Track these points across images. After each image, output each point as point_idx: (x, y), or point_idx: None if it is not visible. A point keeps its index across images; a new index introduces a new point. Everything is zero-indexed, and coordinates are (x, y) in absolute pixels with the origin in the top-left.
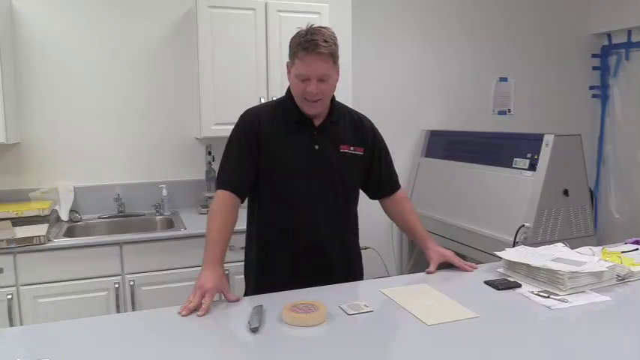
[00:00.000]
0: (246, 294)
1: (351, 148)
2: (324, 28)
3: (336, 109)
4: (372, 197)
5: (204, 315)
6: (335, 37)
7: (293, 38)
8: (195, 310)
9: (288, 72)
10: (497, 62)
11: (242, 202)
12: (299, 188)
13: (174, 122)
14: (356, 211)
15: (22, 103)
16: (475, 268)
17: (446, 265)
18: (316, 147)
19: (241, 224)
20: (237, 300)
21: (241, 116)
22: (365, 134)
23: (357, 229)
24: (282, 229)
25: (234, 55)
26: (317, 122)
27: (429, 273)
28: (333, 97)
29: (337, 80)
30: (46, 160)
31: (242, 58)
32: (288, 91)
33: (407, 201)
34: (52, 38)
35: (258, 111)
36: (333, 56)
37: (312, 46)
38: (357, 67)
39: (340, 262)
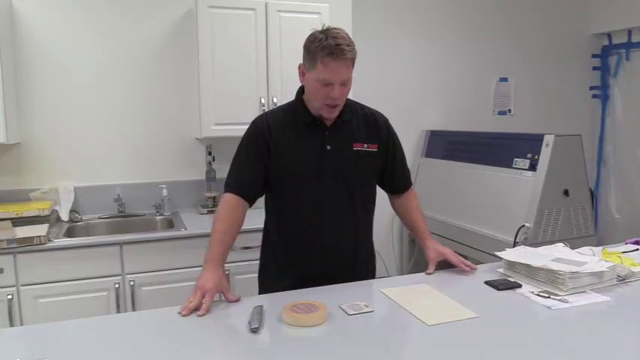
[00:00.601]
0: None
1: (365, 145)
2: (340, 29)
3: (347, 107)
4: (386, 192)
5: (204, 315)
6: (352, 40)
7: (312, 42)
8: (195, 309)
9: (302, 74)
10: (497, 62)
11: (250, 206)
12: (311, 191)
13: (174, 122)
14: (373, 210)
15: (22, 103)
16: (474, 269)
17: (446, 265)
18: (328, 147)
19: (246, 225)
20: (237, 300)
21: (252, 122)
22: (379, 130)
23: (372, 229)
24: (297, 233)
25: (234, 55)
26: (328, 122)
27: (428, 274)
28: None
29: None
30: (46, 160)
31: (242, 58)
32: (298, 93)
33: (415, 198)
34: (52, 38)
35: (268, 116)
36: (354, 60)
37: (338, 52)
38: (357, 67)
39: (354, 264)
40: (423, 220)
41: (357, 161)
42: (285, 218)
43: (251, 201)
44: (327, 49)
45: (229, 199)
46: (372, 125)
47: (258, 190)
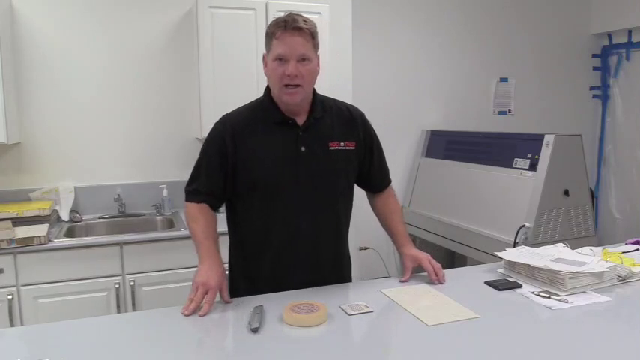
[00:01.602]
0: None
1: (342, 144)
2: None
3: (319, 103)
4: (365, 190)
5: (206, 314)
6: (315, 24)
7: (269, 24)
8: (197, 309)
9: (265, 64)
10: (497, 62)
11: (214, 211)
12: (287, 196)
13: (174, 122)
14: (351, 212)
15: (22, 104)
16: (441, 283)
17: (446, 266)
18: (303, 149)
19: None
20: (230, 302)
21: (214, 125)
22: (355, 126)
23: (348, 231)
24: (273, 243)
25: (234, 55)
26: (300, 121)
27: (402, 281)
28: (315, 92)
29: (318, 71)
30: (47, 160)
31: (242, 59)
32: (266, 91)
33: (395, 198)
34: (52, 38)
35: (232, 118)
36: (314, 37)
37: (290, 21)
38: (357, 67)
39: (333, 271)
40: (402, 224)
41: (335, 162)
42: (257, 229)
43: (214, 208)
44: (280, 23)
45: (192, 207)
46: (347, 121)
47: (217, 197)
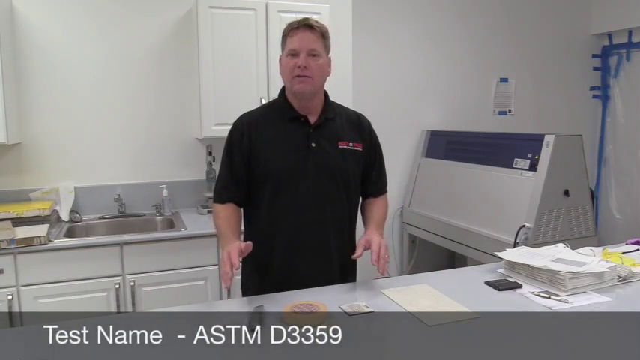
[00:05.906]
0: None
1: (350, 144)
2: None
3: (330, 106)
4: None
5: (237, 269)
6: (327, 29)
7: (284, 27)
8: (229, 277)
9: (281, 65)
10: (497, 62)
11: (241, 207)
12: (295, 188)
13: (174, 122)
14: (357, 212)
15: (22, 104)
16: (382, 274)
17: (446, 266)
18: (313, 145)
19: None
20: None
21: (232, 126)
22: (363, 131)
23: (355, 228)
24: (282, 231)
25: (234, 55)
26: (312, 120)
27: (355, 257)
28: (327, 95)
29: (329, 72)
30: (47, 160)
31: (243, 59)
32: (281, 91)
33: (385, 200)
34: (52, 39)
35: (248, 117)
36: (324, 37)
37: (303, 22)
38: (357, 67)
39: (340, 265)
40: (380, 215)
41: (343, 159)
42: (268, 219)
43: (241, 205)
44: (294, 23)
45: (216, 207)
46: (355, 125)
47: (245, 193)
